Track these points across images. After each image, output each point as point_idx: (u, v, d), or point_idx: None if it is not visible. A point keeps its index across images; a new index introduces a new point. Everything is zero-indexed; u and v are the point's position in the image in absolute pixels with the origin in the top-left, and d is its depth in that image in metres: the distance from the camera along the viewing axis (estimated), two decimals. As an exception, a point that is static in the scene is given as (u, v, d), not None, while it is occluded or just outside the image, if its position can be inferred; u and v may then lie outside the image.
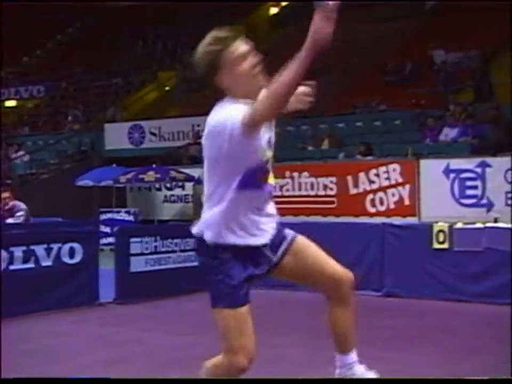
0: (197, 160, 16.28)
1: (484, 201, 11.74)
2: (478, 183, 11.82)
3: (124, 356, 7.30)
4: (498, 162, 12.36)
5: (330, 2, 3.59)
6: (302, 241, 4.54)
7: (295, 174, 13.26)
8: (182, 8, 30.07)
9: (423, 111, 19.28)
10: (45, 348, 7.83)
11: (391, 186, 12.43)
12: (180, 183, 19.38)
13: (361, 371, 4.68)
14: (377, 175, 12.60)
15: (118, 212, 19.27)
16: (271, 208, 4.34)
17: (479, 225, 10.55)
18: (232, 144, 3.76)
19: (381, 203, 12.45)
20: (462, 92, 20.55)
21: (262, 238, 4.16)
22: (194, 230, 4.08)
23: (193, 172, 17.69)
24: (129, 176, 19.39)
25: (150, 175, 18.92)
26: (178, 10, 30.49)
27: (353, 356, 4.82)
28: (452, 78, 21.01)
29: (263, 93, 3.71)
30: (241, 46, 3.81)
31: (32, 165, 24.80)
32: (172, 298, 10.63)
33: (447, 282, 10.48)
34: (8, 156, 25.42)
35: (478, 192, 11.83)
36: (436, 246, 10.61)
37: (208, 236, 3.99)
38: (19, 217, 12.34)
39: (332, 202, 12.85)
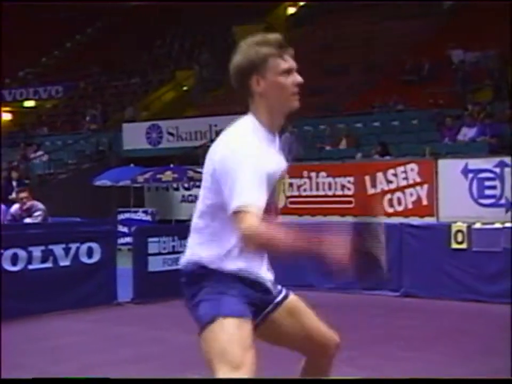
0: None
1: (503, 201, 11.67)
2: (497, 183, 11.75)
3: (141, 355, 7.31)
4: (517, 162, 12.29)
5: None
6: (297, 300, 4.05)
7: (313, 174, 13.23)
8: (199, 8, 30.10)
9: (441, 111, 19.21)
10: (63, 346, 7.86)
11: (409, 186, 12.38)
12: (198, 183, 19.38)
13: None
14: (395, 175, 12.55)
15: (136, 212, 19.32)
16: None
17: (497, 225, 10.49)
18: None
19: (399, 203, 12.40)
20: (480, 91, 20.46)
21: (268, 274, 3.83)
22: (183, 262, 3.83)
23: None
24: (147, 176, 19.44)
25: (168, 175, 18.96)
26: (196, 10, 30.52)
27: None
28: (470, 77, 20.92)
29: (256, 230, 3.46)
30: (291, 60, 3.63)
31: (51, 165, 24.90)
32: (189, 298, 10.62)
33: (466, 283, 10.44)
34: (27, 155, 25.54)
35: (496, 192, 11.76)
36: (454, 246, 10.57)
37: (207, 261, 3.69)
38: (37, 217, 12.38)
39: (350, 202, 12.82)
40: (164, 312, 9.85)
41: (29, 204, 12.53)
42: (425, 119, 19.59)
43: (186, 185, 19.73)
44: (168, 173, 18.99)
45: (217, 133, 3.75)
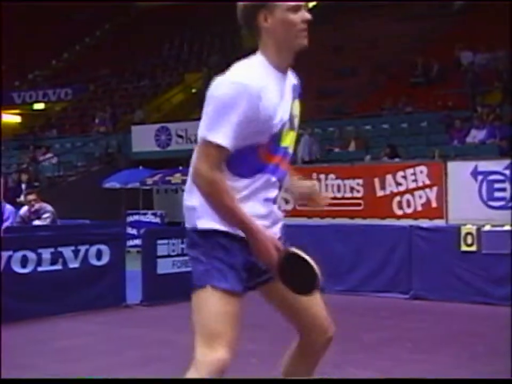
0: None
1: (512, 203, 11.65)
2: (506, 185, 11.73)
3: (151, 357, 7.31)
4: (527, 164, 12.25)
5: None
6: None
7: (322, 176, 13.24)
8: (208, 10, 30.14)
9: (450, 113, 19.20)
10: (71, 348, 7.87)
11: (418, 188, 12.38)
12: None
13: None
14: (404, 177, 12.55)
15: (145, 214, 19.34)
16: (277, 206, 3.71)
17: (507, 227, 10.47)
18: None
19: (408, 205, 12.40)
20: (489, 93, 20.44)
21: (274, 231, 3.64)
22: (187, 225, 3.58)
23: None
24: (156, 178, 19.47)
25: (177, 177, 18.98)
26: (205, 12, 30.56)
27: None
28: (479, 79, 20.89)
29: (216, 183, 3.36)
30: None
31: (60, 167, 24.97)
32: (198, 300, 10.62)
33: (475, 285, 10.42)
34: (36, 158, 25.61)
35: (506, 194, 11.75)
36: (464, 248, 10.55)
37: (203, 223, 3.48)
38: (46, 219, 12.41)
39: (359, 205, 12.81)
40: (172, 314, 9.85)
41: (37, 206, 12.57)
42: (434, 121, 19.58)
43: (195, 187, 19.70)
44: (177, 175, 19.01)
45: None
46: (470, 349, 7.60)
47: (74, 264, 10.09)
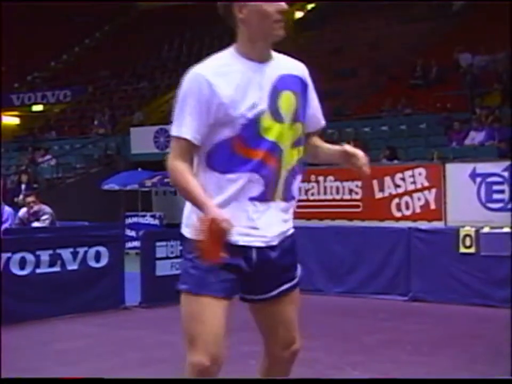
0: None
1: (511, 205, 11.63)
2: (505, 187, 11.70)
3: (149, 359, 7.31)
4: (526, 166, 12.25)
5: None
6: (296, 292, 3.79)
7: (321, 178, 13.19)
8: (207, 11, 30.13)
9: (449, 115, 19.20)
10: (70, 350, 7.87)
11: (417, 190, 12.34)
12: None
13: None
14: (403, 179, 12.52)
15: (144, 216, 19.33)
16: (280, 204, 3.56)
17: (506, 229, 10.47)
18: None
19: (407, 207, 12.37)
20: (489, 95, 20.43)
21: (250, 238, 3.47)
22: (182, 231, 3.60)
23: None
24: (154, 180, 19.46)
25: (176, 179, 18.94)
26: (204, 13, 30.57)
27: None
28: (478, 81, 20.90)
29: (180, 167, 3.39)
30: None
31: (59, 169, 24.96)
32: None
33: (474, 287, 10.42)
34: (35, 160, 25.61)
35: (505, 196, 11.72)
36: (463, 250, 10.55)
37: (187, 233, 3.50)
38: (44, 220, 12.41)
39: (358, 207, 12.79)
40: (171, 316, 9.79)
41: (36, 207, 12.57)
42: (433, 123, 19.58)
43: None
44: (176, 176, 18.97)
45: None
46: (469, 351, 7.60)
47: (73, 266, 10.08)
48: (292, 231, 3.72)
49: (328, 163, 4.09)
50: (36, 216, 12.48)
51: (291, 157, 3.52)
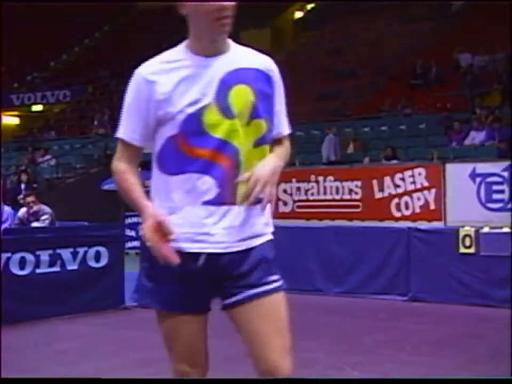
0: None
1: (511, 205, 11.64)
2: (505, 187, 11.72)
3: (149, 358, 7.30)
4: (526, 166, 12.25)
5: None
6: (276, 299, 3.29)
7: (320, 178, 13.21)
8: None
9: (449, 115, 19.20)
10: (70, 350, 7.86)
11: (416, 190, 12.36)
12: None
13: None
14: (402, 179, 12.53)
15: (144, 216, 19.28)
16: (244, 208, 3.21)
17: (505, 229, 10.47)
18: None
19: (407, 207, 12.38)
20: (488, 95, 20.46)
21: (204, 244, 3.21)
22: None
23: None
24: (154, 180, 19.43)
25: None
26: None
27: None
28: (478, 81, 20.91)
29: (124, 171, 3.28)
30: None
31: (59, 169, 24.96)
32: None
33: (474, 287, 10.42)
34: (35, 160, 25.61)
35: (504, 196, 11.74)
36: (462, 250, 10.55)
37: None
38: (44, 220, 12.40)
39: (357, 207, 12.80)
40: (171, 316, 9.82)
41: (36, 207, 12.56)
42: (433, 123, 19.59)
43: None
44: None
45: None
46: (469, 351, 7.60)
47: (72, 266, 10.08)
48: (265, 236, 3.31)
49: None
50: (36, 216, 12.48)
51: (254, 157, 3.20)
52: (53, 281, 9.76)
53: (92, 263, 10.27)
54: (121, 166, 3.30)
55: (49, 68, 36.26)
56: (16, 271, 9.52)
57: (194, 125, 3.16)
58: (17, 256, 9.53)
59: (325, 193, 13.12)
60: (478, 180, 11.86)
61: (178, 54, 3.29)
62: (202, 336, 3.40)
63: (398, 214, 12.35)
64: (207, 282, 3.25)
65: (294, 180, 13.12)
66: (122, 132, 3.31)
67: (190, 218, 3.19)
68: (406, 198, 12.43)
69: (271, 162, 3.20)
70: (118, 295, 10.45)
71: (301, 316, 10.23)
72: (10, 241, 9.63)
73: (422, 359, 7.20)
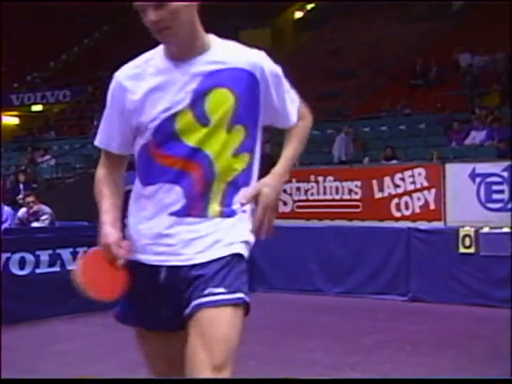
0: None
1: (510, 205, 11.64)
2: (505, 187, 11.71)
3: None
4: (525, 166, 12.26)
5: None
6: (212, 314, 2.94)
7: (320, 178, 13.20)
8: (205, 12, 30.13)
9: (448, 115, 19.19)
10: (72, 350, 7.86)
11: (416, 190, 12.35)
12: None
13: None
14: (402, 179, 12.52)
15: (143, 216, 19.29)
16: (215, 220, 2.99)
17: (505, 229, 10.48)
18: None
19: (406, 207, 12.37)
20: (488, 96, 20.45)
21: (164, 257, 3.01)
22: None
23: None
24: (154, 180, 19.44)
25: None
26: (203, 14, 30.58)
27: None
28: (478, 81, 20.91)
29: None
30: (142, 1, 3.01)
31: (58, 169, 24.93)
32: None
33: (473, 287, 10.42)
34: (35, 160, 25.60)
35: (504, 196, 11.73)
36: (462, 250, 10.56)
37: None
38: (44, 220, 12.40)
39: (357, 207, 12.79)
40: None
41: (35, 207, 12.55)
42: (432, 123, 19.57)
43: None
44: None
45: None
46: (469, 351, 7.60)
47: (72, 266, 9.99)
48: (233, 248, 2.98)
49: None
50: (36, 216, 12.47)
51: (230, 167, 2.98)
52: (52, 281, 9.75)
53: (92, 263, 10.26)
54: (100, 173, 3.25)
55: (49, 68, 36.24)
56: (16, 271, 9.52)
57: (166, 133, 2.97)
58: (17, 256, 9.54)
59: (324, 193, 13.11)
60: (478, 180, 11.85)
61: (154, 57, 3.10)
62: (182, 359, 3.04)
63: (397, 214, 12.33)
64: (171, 297, 3.02)
65: (293, 179, 13.10)
66: (98, 140, 3.25)
67: (156, 229, 3.03)
68: (405, 198, 12.42)
69: (277, 181, 3.02)
70: (118, 295, 10.44)
71: (300, 316, 10.24)
72: (10, 241, 9.63)
73: (421, 359, 7.21)
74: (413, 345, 7.85)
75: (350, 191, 12.94)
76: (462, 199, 11.82)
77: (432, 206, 12.12)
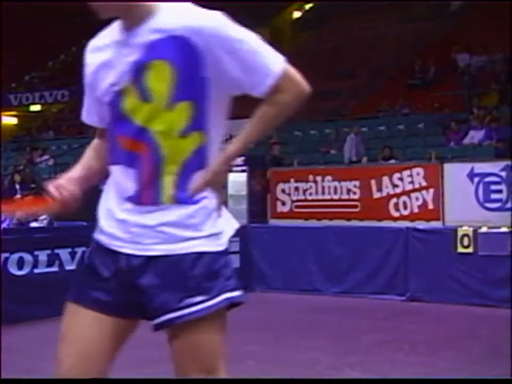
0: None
1: (509, 205, 11.64)
2: (503, 187, 11.73)
3: (151, 357, 7.30)
4: (523, 166, 12.28)
5: None
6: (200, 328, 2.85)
7: (318, 178, 13.21)
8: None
9: (447, 115, 19.20)
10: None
11: (414, 190, 12.36)
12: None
13: None
14: (400, 179, 12.53)
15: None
16: (169, 208, 2.73)
17: (504, 229, 10.49)
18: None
19: (405, 207, 12.38)
20: (486, 95, 20.47)
21: (121, 243, 2.84)
22: None
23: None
24: (152, 180, 19.44)
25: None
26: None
27: None
28: (476, 81, 20.93)
29: None
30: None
31: (57, 169, 24.91)
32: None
33: (472, 287, 10.43)
34: (33, 160, 25.59)
35: (502, 196, 11.74)
36: (461, 250, 10.57)
37: None
38: (42, 220, 12.40)
39: (356, 207, 12.80)
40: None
41: (34, 208, 12.55)
42: (431, 123, 19.58)
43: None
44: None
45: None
46: (468, 351, 7.61)
47: (71, 266, 10.07)
48: (198, 246, 2.73)
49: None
50: (34, 216, 12.47)
51: (181, 148, 2.70)
52: (51, 282, 9.74)
53: (91, 263, 10.26)
54: (92, 142, 3.11)
55: (48, 67, 36.23)
56: (14, 271, 9.51)
57: (114, 111, 2.76)
58: (16, 256, 9.53)
59: (323, 193, 13.12)
60: (476, 179, 11.86)
61: (112, 29, 2.84)
62: (107, 345, 3.02)
63: (396, 214, 12.35)
64: (123, 285, 2.87)
65: (292, 179, 13.12)
66: (83, 115, 3.04)
67: (116, 214, 2.88)
68: (404, 197, 12.43)
69: (223, 163, 2.73)
70: (117, 295, 10.44)
71: (299, 316, 10.25)
72: (9, 241, 9.63)
73: (420, 359, 7.21)
74: (412, 344, 7.86)
75: (349, 191, 12.95)
76: (460, 198, 11.84)
77: (430, 206, 12.13)
